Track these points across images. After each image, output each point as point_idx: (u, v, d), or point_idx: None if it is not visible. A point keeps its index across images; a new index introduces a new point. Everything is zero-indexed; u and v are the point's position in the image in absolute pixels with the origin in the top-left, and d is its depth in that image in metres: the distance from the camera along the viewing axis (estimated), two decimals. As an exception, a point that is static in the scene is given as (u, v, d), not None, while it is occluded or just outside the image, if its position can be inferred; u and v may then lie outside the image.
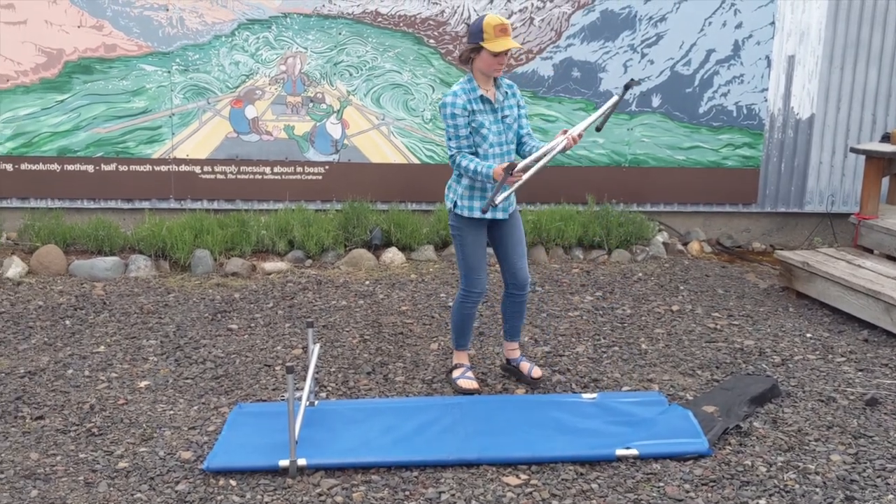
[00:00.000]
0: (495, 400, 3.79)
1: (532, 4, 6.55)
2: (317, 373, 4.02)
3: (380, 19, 6.47)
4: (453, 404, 3.69)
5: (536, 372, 4.01)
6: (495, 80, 3.72)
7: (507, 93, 3.78)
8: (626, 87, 3.70)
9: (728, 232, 7.11)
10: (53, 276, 5.66)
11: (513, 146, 3.79)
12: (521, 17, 6.54)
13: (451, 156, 3.70)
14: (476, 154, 3.69)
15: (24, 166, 6.36)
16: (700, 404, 3.70)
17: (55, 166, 6.38)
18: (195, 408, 3.72)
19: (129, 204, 6.53)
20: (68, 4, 6.21)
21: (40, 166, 6.37)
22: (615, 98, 3.72)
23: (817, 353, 4.49)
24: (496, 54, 3.58)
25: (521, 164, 3.53)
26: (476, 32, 3.60)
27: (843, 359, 4.40)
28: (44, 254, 5.76)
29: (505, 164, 3.51)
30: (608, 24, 6.63)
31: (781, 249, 6.49)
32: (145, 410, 3.69)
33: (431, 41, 6.53)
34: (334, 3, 6.42)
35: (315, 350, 3.67)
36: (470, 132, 3.65)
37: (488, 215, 3.70)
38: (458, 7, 6.50)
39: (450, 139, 3.68)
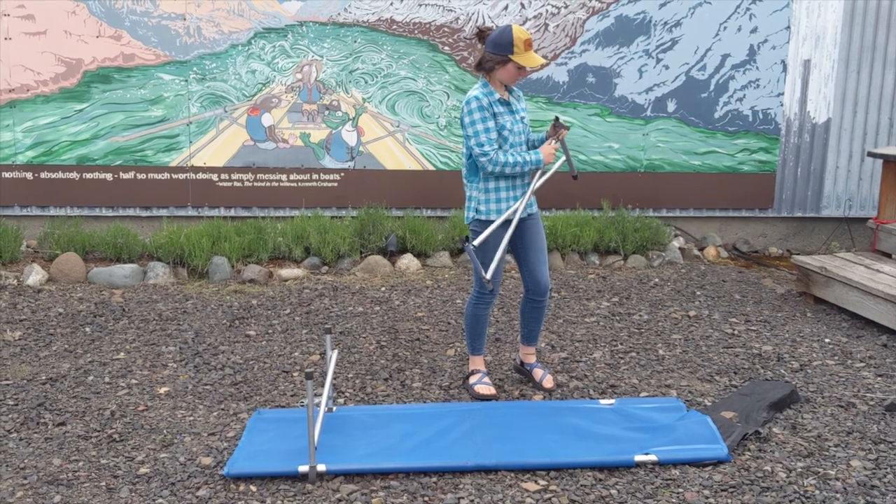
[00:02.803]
0: (513, 406, 3.79)
1: (547, 10, 6.56)
2: (334, 379, 4.04)
3: (395, 27, 6.50)
4: (471, 410, 3.69)
5: (548, 382, 4.00)
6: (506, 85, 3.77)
7: (518, 96, 3.85)
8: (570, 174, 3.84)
9: (744, 237, 7.08)
10: (73, 284, 5.71)
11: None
12: (536, 24, 6.56)
13: (487, 155, 3.58)
14: None
15: (43, 175, 6.43)
16: (719, 410, 3.69)
17: (74, 175, 6.44)
18: (214, 414, 3.75)
19: (147, 212, 6.59)
20: (87, 14, 6.28)
21: (60, 175, 6.43)
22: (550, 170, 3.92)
23: (836, 358, 4.47)
24: (521, 67, 3.60)
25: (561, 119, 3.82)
26: (505, 45, 3.58)
27: (863, 364, 4.38)
28: (63, 261, 5.82)
29: (548, 129, 3.81)
30: (623, 29, 6.63)
31: (798, 254, 6.46)
32: (165, 416, 3.72)
33: (446, 48, 6.56)
34: (350, 11, 6.46)
35: (333, 356, 3.68)
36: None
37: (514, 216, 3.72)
38: (473, 14, 6.52)
39: (480, 137, 3.59)
